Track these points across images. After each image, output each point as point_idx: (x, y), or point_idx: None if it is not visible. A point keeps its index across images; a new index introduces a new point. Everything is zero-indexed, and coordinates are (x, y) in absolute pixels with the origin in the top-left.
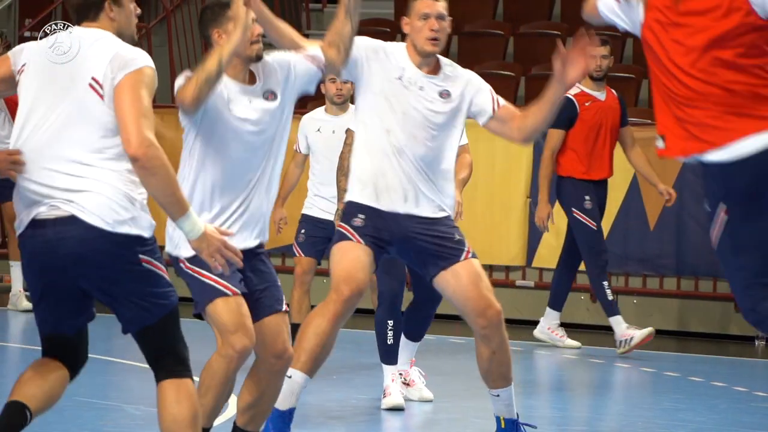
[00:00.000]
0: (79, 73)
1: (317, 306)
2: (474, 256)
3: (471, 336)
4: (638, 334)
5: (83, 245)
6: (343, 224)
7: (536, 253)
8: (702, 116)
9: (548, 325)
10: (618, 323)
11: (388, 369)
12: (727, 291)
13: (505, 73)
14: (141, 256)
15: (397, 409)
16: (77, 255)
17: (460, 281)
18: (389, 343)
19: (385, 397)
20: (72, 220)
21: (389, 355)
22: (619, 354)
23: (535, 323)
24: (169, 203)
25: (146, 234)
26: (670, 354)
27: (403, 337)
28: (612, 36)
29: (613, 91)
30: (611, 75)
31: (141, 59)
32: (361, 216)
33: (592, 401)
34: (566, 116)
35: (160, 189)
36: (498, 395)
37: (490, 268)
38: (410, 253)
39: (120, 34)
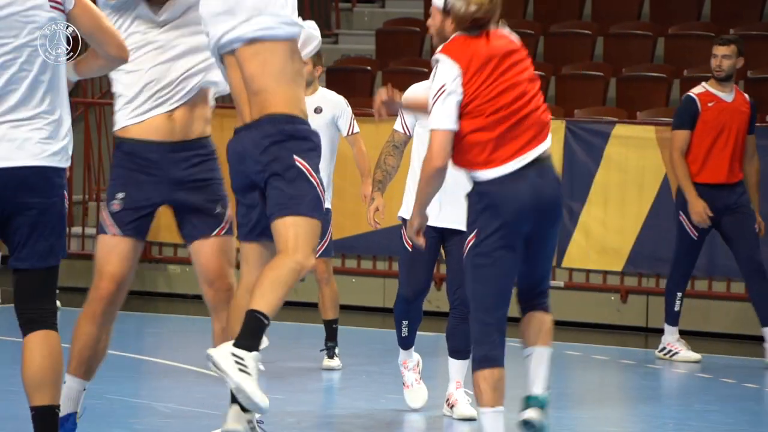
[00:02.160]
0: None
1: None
2: (229, 233)
3: None
4: (684, 354)
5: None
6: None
7: (565, 253)
8: None
9: None
10: (672, 333)
11: (403, 353)
12: None
13: (536, 72)
14: (65, 191)
15: (416, 410)
16: (26, 181)
17: (204, 250)
18: (404, 335)
19: (405, 388)
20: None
21: (405, 343)
22: (656, 356)
23: (565, 323)
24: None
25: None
26: (702, 355)
27: (450, 358)
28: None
29: (746, 95)
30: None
31: None
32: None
33: (623, 402)
34: (689, 115)
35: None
36: None
37: None
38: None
39: None
